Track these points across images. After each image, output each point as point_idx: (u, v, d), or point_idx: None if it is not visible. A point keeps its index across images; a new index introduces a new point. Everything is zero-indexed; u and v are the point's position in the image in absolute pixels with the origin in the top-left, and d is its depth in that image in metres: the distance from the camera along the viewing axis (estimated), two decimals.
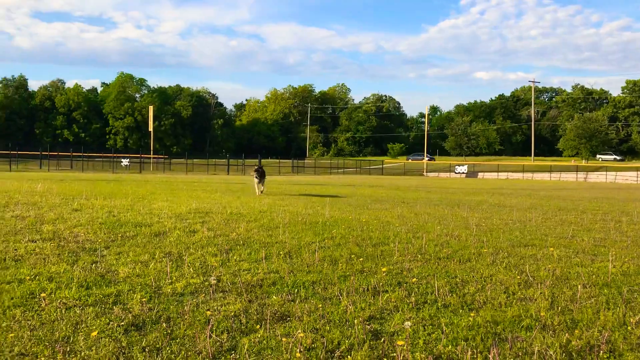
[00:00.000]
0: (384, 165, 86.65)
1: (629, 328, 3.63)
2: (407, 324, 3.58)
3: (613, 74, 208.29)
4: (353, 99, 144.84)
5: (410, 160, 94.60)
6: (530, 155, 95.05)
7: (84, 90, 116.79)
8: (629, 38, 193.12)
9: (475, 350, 3.17)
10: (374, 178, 53.29)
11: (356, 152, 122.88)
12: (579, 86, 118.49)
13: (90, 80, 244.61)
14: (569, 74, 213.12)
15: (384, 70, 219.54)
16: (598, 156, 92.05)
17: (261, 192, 16.49)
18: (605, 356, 3.12)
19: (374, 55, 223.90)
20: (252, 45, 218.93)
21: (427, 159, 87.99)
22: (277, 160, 79.02)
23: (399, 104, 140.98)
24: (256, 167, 16.55)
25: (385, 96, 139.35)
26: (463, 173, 79.40)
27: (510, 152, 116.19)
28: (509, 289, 4.70)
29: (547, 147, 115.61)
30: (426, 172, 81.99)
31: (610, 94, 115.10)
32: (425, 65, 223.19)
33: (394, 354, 3.08)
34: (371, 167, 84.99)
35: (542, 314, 3.92)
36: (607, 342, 3.33)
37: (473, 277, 5.14)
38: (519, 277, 5.16)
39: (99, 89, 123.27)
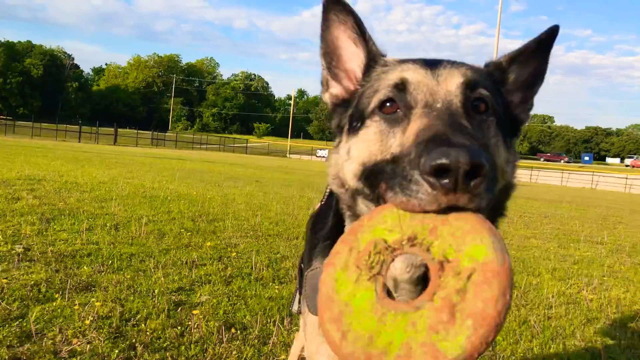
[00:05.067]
0: (248, 144, 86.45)
1: None
2: (206, 297, 3.70)
3: None
4: (222, 75, 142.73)
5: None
6: None
7: None
8: (483, 42, 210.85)
9: (269, 320, 3.37)
10: (237, 156, 53.06)
11: (221, 129, 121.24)
12: None
13: None
14: None
15: (256, 48, 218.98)
16: None
17: None
18: None
19: (247, 32, 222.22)
20: (117, 7, 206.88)
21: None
22: (136, 131, 75.48)
23: (268, 84, 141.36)
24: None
25: (255, 75, 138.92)
26: (324, 157, 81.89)
27: None
28: None
29: None
30: (289, 154, 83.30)
31: None
32: (297, 48, 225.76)
33: (189, 323, 3.18)
34: (235, 144, 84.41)
35: None
36: None
37: (294, 253, 5.40)
38: None
39: None
